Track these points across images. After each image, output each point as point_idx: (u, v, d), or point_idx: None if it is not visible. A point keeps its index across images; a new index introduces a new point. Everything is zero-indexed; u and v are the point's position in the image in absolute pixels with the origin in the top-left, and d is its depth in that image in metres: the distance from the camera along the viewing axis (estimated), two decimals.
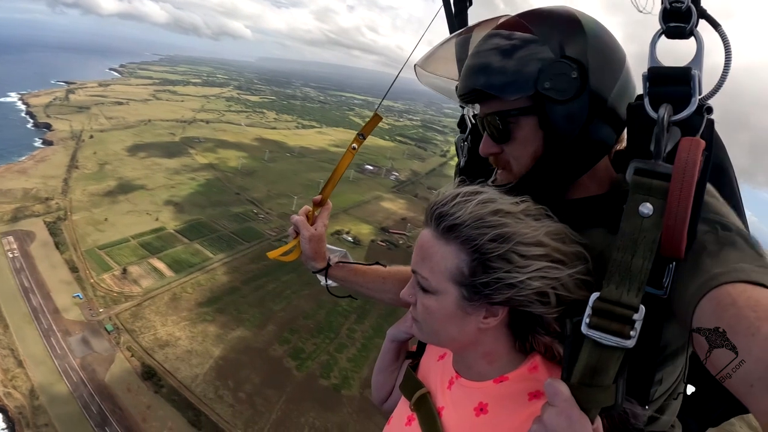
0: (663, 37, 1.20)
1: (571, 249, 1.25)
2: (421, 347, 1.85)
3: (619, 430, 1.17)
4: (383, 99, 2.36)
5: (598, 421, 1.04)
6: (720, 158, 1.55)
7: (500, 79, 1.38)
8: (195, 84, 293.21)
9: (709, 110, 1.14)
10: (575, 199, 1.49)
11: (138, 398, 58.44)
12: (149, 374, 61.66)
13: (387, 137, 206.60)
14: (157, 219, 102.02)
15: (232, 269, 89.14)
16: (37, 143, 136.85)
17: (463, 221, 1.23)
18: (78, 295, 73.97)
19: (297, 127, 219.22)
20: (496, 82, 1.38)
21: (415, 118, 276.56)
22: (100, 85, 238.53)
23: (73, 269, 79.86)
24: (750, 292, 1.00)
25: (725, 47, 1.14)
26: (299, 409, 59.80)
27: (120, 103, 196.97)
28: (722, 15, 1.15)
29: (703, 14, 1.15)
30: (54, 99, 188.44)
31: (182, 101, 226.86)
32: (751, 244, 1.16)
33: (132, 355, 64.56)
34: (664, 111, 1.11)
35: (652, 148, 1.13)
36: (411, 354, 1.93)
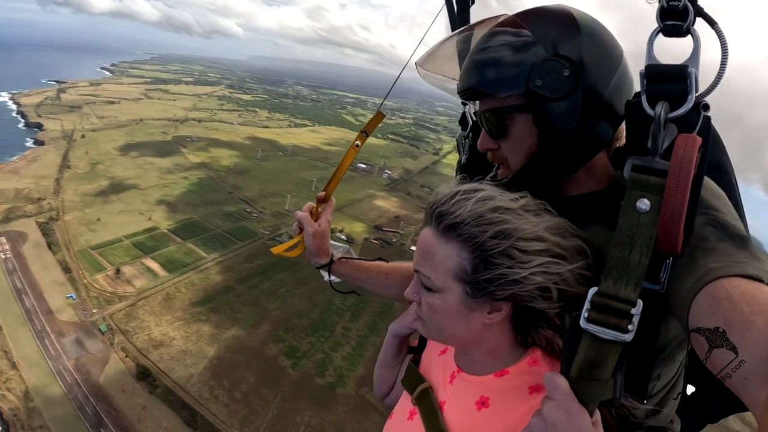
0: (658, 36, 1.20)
1: (571, 243, 1.27)
2: (423, 342, 1.87)
3: (619, 424, 1.19)
4: (386, 97, 2.39)
5: (597, 414, 1.05)
6: (719, 156, 1.56)
7: (494, 77, 1.42)
8: (187, 83, 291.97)
9: (706, 107, 1.15)
10: (573, 196, 1.51)
11: (133, 399, 58.24)
12: (144, 375, 61.47)
13: (379, 135, 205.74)
14: (149, 218, 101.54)
15: (226, 268, 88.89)
16: (29, 143, 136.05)
17: (463, 219, 1.24)
18: (71, 296, 73.56)
19: (289, 126, 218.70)
20: (490, 79, 1.42)
21: (407, 116, 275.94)
22: (92, 84, 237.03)
23: (66, 270, 79.42)
24: (745, 287, 1.00)
25: (722, 45, 1.15)
26: (295, 407, 59.77)
27: (112, 103, 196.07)
28: (710, 12, 1.17)
29: (700, 12, 1.16)
30: (45, 98, 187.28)
31: (174, 100, 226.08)
32: (747, 239, 1.17)
33: (126, 356, 64.27)
34: (661, 108, 1.12)
35: (649, 145, 1.14)
36: (412, 349, 1.96)
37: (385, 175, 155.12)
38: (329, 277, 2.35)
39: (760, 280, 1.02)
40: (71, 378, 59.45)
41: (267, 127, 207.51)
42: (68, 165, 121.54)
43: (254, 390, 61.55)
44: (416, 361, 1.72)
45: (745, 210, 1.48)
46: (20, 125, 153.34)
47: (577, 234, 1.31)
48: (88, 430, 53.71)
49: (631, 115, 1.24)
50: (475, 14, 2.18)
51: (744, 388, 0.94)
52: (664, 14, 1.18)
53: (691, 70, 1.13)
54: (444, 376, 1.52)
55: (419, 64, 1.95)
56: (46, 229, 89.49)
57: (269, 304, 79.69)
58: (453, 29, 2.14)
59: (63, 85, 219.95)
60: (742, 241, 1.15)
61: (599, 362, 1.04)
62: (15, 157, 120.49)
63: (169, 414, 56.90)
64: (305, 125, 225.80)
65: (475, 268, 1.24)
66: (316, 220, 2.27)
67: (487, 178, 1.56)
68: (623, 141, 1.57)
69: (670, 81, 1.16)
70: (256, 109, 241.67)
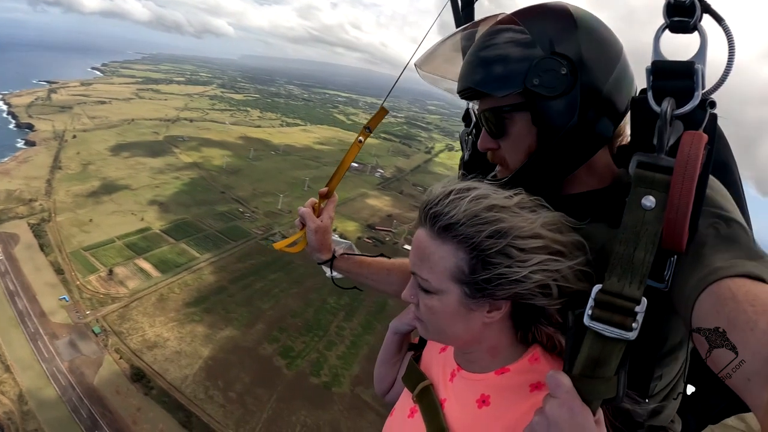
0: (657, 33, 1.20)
1: (569, 239, 1.26)
2: (423, 339, 1.86)
3: (620, 423, 1.18)
4: (389, 94, 2.38)
5: (600, 412, 1.04)
6: (724, 155, 1.56)
7: (491, 77, 1.42)
8: (178, 82, 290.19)
9: (712, 105, 1.15)
10: (575, 194, 1.51)
11: (128, 401, 58.06)
12: (138, 376, 61.29)
13: (371, 134, 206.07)
14: (142, 219, 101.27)
15: (219, 268, 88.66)
16: (20, 144, 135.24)
17: (458, 220, 1.22)
18: (64, 298, 73.31)
19: (281, 125, 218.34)
20: (487, 79, 1.43)
21: (399, 115, 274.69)
22: (83, 84, 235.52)
23: (59, 271, 79.10)
24: (749, 287, 1.00)
25: (729, 42, 1.14)
26: (290, 407, 59.78)
27: (103, 103, 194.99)
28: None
29: (707, 9, 1.15)
30: (36, 99, 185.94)
31: (165, 100, 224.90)
32: (752, 239, 1.16)
33: (120, 357, 64.13)
34: (667, 105, 1.12)
35: (654, 141, 1.14)
36: (413, 346, 1.96)
37: (377, 174, 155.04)
38: (331, 272, 2.36)
39: (765, 281, 1.01)
40: (65, 380, 59.22)
41: (259, 126, 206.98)
42: (59, 166, 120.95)
43: (249, 390, 61.49)
44: (417, 358, 1.72)
45: None
46: (11, 126, 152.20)
47: (576, 226, 1.31)
48: None
49: (637, 112, 1.24)
50: (478, 11, 2.19)
51: (746, 389, 0.94)
52: (671, 10, 1.17)
53: (698, 66, 1.12)
54: (444, 374, 1.51)
55: (419, 65, 1.95)
56: (37, 231, 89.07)
57: (263, 303, 79.57)
58: (457, 25, 2.18)
59: (54, 86, 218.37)
60: (747, 241, 1.15)
61: (603, 360, 1.03)
62: (6, 158, 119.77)
63: (165, 415, 56.76)
64: (297, 124, 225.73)
65: (472, 269, 1.23)
66: (318, 216, 2.29)
67: (488, 177, 1.54)
68: (626, 139, 1.58)
69: (676, 77, 1.15)
70: (248, 109, 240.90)
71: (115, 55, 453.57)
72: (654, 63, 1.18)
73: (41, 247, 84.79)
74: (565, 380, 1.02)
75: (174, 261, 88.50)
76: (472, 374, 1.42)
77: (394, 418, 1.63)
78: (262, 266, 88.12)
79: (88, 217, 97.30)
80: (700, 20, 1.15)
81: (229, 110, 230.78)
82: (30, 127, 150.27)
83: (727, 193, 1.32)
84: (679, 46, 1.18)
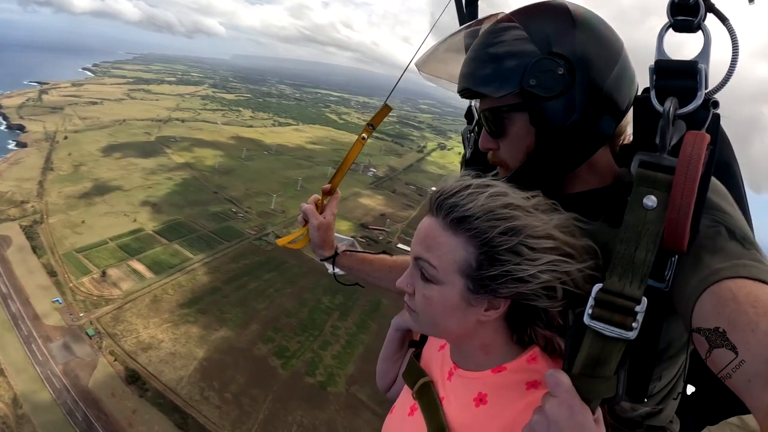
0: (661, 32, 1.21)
1: (581, 243, 1.25)
2: (424, 336, 1.85)
3: (619, 423, 1.18)
4: (392, 91, 2.37)
5: (599, 411, 1.04)
6: (726, 156, 1.55)
7: (488, 77, 1.42)
8: (170, 82, 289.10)
9: (715, 105, 1.15)
10: (575, 193, 1.50)
11: (123, 403, 57.93)
12: (133, 378, 61.14)
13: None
14: (134, 220, 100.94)
15: (213, 269, 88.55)
16: (11, 145, 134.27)
17: (474, 213, 1.21)
18: (57, 300, 73.01)
19: (273, 125, 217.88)
20: (485, 79, 1.42)
21: (391, 114, 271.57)
22: (74, 84, 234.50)
23: (52, 273, 78.72)
24: (750, 288, 1.00)
25: (732, 42, 1.15)
26: (286, 407, 59.82)
27: (94, 103, 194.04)
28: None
29: (711, 8, 1.15)
30: (27, 100, 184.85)
31: (157, 100, 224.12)
32: (753, 241, 1.16)
33: (115, 360, 63.94)
34: (670, 104, 1.12)
35: (657, 141, 1.14)
36: (414, 342, 1.94)
37: (370, 173, 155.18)
38: (333, 269, 2.37)
39: (766, 283, 1.02)
40: (60, 383, 59.00)
41: (251, 126, 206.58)
42: (51, 167, 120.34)
43: (245, 391, 61.48)
44: (418, 355, 1.72)
45: None
46: (2, 127, 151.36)
47: (586, 228, 1.29)
48: None
49: (640, 111, 1.24)
50: (481, 11, 2.21)
51: (747, 391, 0.94)
52: (674, 9, 1.18)
53: (702, 66, 1.13)
54: (442, 373, 1.51)
55: (419, 66, 1.92)
56: (30, 233, 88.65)
57: (257, 304, 79.57)
58: (461, 22, 2.17)
59: (45, 86, 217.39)
60: (748, 242, 1.14)
61: (602, 359, 1.03)
62: None
63: (160, 417, 56.67)
64: (289, 124, 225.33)
65: (480, 264, 1.21)
66: (321, 213, 2.30)
67: (489, 176, 1.46)
68: (628, 138, 1.57)
69: (679, 77, 1.15)
70: (240, 109, 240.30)
71: (106, 56, 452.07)
72: (657, 62, 1.18)
73: (33, 249, 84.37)
74: (565, 379, 1.02)
75: (167, 262, 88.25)
76: (468, 372, 1.40)
77: (394, 416, 1.62)
78: (255, 266, 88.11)
79: (80, 219, 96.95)
80: (704, 20, 1.16)
81: (221, 110, 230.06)
82: (21, 128, 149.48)
83: (729, 195, 1.31)
84: (673, 45, 1.18)
